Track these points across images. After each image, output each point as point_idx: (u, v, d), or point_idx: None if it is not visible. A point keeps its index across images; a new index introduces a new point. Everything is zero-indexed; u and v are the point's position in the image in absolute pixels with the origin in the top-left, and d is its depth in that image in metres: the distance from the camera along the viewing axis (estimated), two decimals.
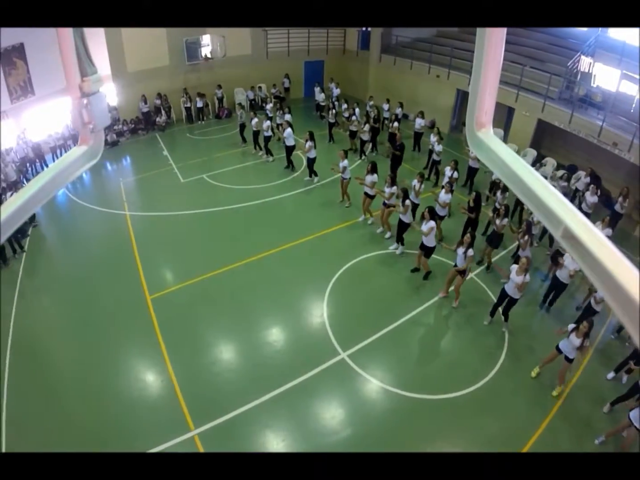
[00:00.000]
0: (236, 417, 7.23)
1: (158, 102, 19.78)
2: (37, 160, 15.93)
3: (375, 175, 11.67)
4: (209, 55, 20.23)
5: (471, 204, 10.93)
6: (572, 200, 11.19)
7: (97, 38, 16.56)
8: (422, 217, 9.88)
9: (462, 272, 9.18)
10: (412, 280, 10.51)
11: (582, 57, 16.26)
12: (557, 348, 7.65)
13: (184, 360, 8.34)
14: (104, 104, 1.55)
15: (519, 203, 12.42)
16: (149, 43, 18.25)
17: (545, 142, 16.86)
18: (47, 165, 15.99)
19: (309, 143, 13.96)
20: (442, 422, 7.36)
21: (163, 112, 19.87)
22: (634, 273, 0.88)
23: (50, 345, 8.88)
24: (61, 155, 16.31)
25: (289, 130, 14.65)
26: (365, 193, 12.04)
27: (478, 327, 9.27)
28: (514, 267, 8.51)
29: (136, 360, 8.55)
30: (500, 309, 9.12)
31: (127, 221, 12.90)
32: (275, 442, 7.01)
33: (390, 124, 16.25)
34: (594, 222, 10.60)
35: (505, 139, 17.28)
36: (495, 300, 9.35)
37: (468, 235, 9.05)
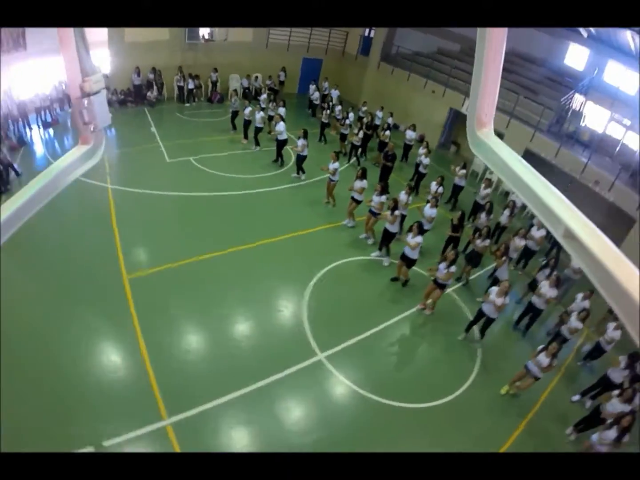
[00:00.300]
0: (210, 410, 7.12)
1: (152, 76, 19.34)
2: (20, 119, 15.29)
3: (364, 181, 11.70)
4: (208, 37, 19.95)
5: (455, 222, 11.10)
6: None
7: None
8: (410, 230, 9.93)
9: (442, 286, 9.33)
10: (391, 288, 10.62)
11: (576, 94, 16.65)
12: (526, 367, 8.00)
13: (158, 346, 8.10)
14: (105, 104, 1.60)
15: (498, 226, 12.68)
16: None
17: None
18: (29, 126, 15.57)
19: (302, 141, 13.86)
20: (412, 430, 7.52)
21: (155, 87, 19.45)
22: (635, 273, 0.91)
23: (17, 321, 8.24)
24: (45, 117, 15.93)
25: (281, 124, 14.53)
26: (353, 197, 12.05)
27: (453, 341, 9.46)
28: (494, 289, 8.69)
29: (110, 342, 8.22)
30: (476, 327, 9.39)
31: (108, 194, 12.51)
32: (248, 439, 6.98)
33: (382, 132, 16.35)
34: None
35: None
36: (471, 318, 9.58)
37: (452, 252, 9.19)
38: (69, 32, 1.40)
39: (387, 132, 16.16)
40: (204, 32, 19.82)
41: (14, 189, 12.27)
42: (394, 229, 10.80)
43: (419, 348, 9.36)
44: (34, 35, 15.35)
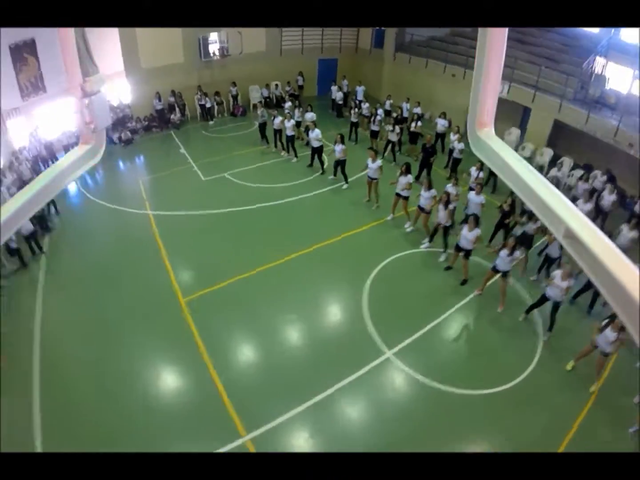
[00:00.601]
0: (286, 422, 7.19)
1: (172, 99, 19.65)
2: (50, 159, 15.60)
3: (409, 176, 11.67)
4: (217, 53, 19.99)
5: (506, 209, 10.97)
6: (590, 199, 11.43)
7: (110, 35, 16.49)
8: (465, 222, 9.90)
9: (504, 274, 9.26)
10: (447, 278, 10.60)
11: (597, 58, 16.41)
12: (593, 343, 7.77)
13: (225, 364, 8.27)
14: (106, 104, 1.61)
15: None
16: (164, 39, 18.11)
17: (560, 142, 16.95)
18: None
19: (340, 146, 13.78)
20: (491, 415, 7.53)
21: (177, 109, 19.76)
22: (635, 273, 0.93)
23: (83, 353, 8.60)
24: None
25: (317, 131, 14.59)
26: (398, 194, 12.04)
27: (514, 323, 9.38)
28: (558, 272, 8.50)
29: (178, 365, 8.42)
30: (536, 310, 9.25)
31: (150, 221, 12.74)
32: (327, 445, 6.98)
33: (414, 124, 16.25)
34: (616, 222, 10.88)
35: (521, 139, 17.45)
36: (526, 296, 9.72)
37: (512, 239, 9.08)
38: (70, 32, 1.44)
39: (419, 123, 16.08)
40: (212, 48, 19.88)
41: (55, 226, 12.71)
42: (447, 222, 10.68)
43: (481, 334, 9.27)
44: (52, 76, 15.70)
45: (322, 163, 15.44)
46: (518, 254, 9.02)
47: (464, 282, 10.43)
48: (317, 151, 15.07)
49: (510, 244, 8.94)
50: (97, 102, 1.56)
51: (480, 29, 1.31)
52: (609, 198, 12.04)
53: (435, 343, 8.93)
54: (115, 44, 17.08)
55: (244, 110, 20.99)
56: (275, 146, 16.92)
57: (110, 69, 17.03)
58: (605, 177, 13.43)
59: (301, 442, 7.03)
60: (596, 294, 9.43)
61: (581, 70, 16.30)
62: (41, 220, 12.21)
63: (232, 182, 14.87)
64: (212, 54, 19.87)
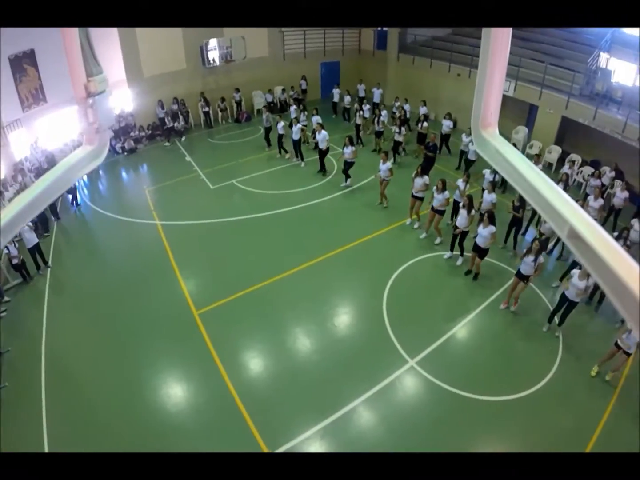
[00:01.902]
0: (310, 437, 7.05)
1: (175, 107, 19.52)
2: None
3: (426, 177, 11.55)
4: (217, 60, 19.72)
5: (516, 203, 10.89)
6: (601, 197, 11.34)
7: (112, 43, 16.40)
8: (481, 221, 9.80)
9: (526, 279, 9.07)
10: (465, 282, 10.48)
11: (601, 53, 16.31)
12: (616, 344, 7.68)
13: (243, 378, 8.13)
14: (109, 104, 1.61)
15: None
16: (165, 47, 18.04)
17: (568, 139, 16.89)
18: None
19: (352, 148, 13.71)
20: (514, 421, 7.41)
21: (181, 117, 19.61)
22: (637, 272, 0.91)
23: (93, 366, 8.49)
24: None
25: (323, 132, 14.50)
26: (414, 196, 11.93)
27: (533, 327, 9.25)
28: (575, 272, 8.42)
29: (195, 380, 8.23)
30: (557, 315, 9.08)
31: (159, 231, 12.58)
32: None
33: (420, 124, 16.18)
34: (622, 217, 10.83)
35: (529, 137, 17.36)
36: (543, 298, 9.63)
37: (537, 242, 8.89)
38: (73, 31, 1.42)
39: (425, 124, 16.00)
40: (214, 55, 19.61)
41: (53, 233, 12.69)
42: (467, 228, 10.49)
43: (501, 339, 9.10)
44: (52, 87, 15.64)
45: (322, 165, 15.38)
46: (542, 258, 8.87)
47: (475, 277, 10.45)
48: (323, 154, 15.00)
49: (535, 248, 8.78)
50: (100, 102, 1.56)
51: (484, 30, 1.30)
52: (620, 195, 11.96)
53: (457, 349, 8.83)
54: (116, 52, 16.99)
55: (248, 116, 20.90)
56: (280, 152, 16.80)
57: (112, 77, 16.88)
58: (613, 173, 13.34)
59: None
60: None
61: (586, 66, 16.18)
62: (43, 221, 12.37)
63: (241, 190, 14.76)
64: (212, 61, 19.62)
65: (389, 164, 12.56)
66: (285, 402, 7.65)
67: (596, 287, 9.42)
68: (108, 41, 16.03)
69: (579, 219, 1.07)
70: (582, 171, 15.32)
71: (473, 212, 10.31)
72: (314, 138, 15.20)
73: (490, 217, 9.60)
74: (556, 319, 9.01)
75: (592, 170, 13.71)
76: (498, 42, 1.31)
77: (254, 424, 7.22)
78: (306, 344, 8.99)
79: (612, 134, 14.32)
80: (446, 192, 10.92)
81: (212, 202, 14.28)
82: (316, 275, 10.70)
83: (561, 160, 15.64)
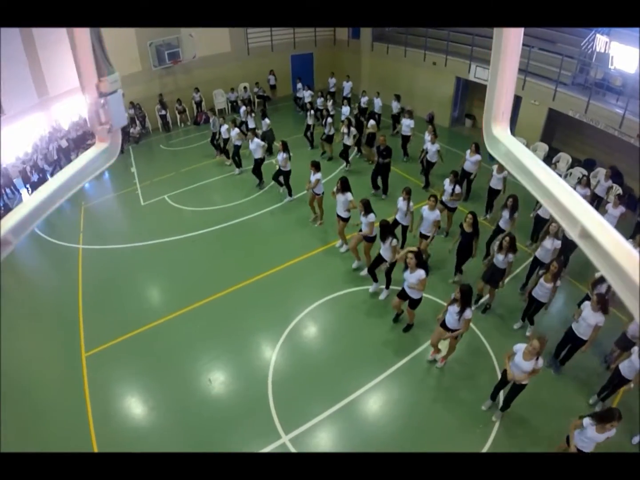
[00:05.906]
0: None
1: (132, 111, 18.19)
2: (3, 188, 14.45)
3: (348, 193, 9.62)
4: (165, 60, 18.23)
5: (467, 227, 8.62)
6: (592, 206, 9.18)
7: (61, 46, 15.10)
8: (406, 266, 7.67)
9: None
10: (389, 332, 8.59)
11: (597, 35, 14.06)
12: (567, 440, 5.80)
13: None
14: (121, 103, 1.54)
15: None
16: (118, 49, 16.56)
17: (557, 135, 15.01)
18: (18, 191, 14.94)
19: (283, 155, 11.96)
20: None
21: (137, 122, 18.33)
22: None
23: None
24: (32, 176, 14.94)
25: (256, 140, 12.70)
26: (339, 216, 10.10)
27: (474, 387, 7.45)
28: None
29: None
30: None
31: (78, 257, 11.30)
32: None
33: (366, 123, 14.41)
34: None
35: (512, 132, 15.19)
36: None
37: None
38: (85, 32, 1.32)
39: (372, 122, 14.14)
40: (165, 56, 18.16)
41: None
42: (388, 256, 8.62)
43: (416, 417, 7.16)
44: (11, 97, 14.55)
45: (260, 176, 13.76)
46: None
47: (407, 329, 8.51)
48: (258, 163, 13.33)
49: (457, 296, 6.76)
50: (113, 102, 1.46)
51: (495, 29, 1.23)
52: (613, 212, 9.50)
53: (344, 427, 7.01)
54: (66, 56, 15.59)
55: (207, 117, 19.27)
56: (228, 157, 15.30)
57: (64, 86, 15.95)
58: (609, 182, 11.03)
59: None
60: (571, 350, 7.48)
61: (580, 51, 14.10)
62: None
63: (169, 206, 13.30)
64: (166, 61, 18.17)
65: (319, 174, 10.68)
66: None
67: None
68: (59, 46, 15.01)
69: (590, 219, 1.03)
70: (571, 173, 13.27)
71: (395, 241, 8.33)
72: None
73: (418, 257, 7.44)
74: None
75: (581, 175, 11.63)
76: (510, 41, 1.26)
77: None
78: (174, 399, 7.59)
79: (607, 129, 12.48)
80: (371, 215, 8.88)
81: (139, 221, 12.93)
82: (217, 311, 9.24)
83: (549, 160, 13.76)
